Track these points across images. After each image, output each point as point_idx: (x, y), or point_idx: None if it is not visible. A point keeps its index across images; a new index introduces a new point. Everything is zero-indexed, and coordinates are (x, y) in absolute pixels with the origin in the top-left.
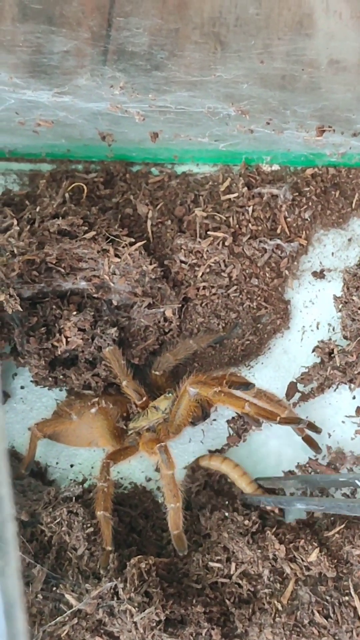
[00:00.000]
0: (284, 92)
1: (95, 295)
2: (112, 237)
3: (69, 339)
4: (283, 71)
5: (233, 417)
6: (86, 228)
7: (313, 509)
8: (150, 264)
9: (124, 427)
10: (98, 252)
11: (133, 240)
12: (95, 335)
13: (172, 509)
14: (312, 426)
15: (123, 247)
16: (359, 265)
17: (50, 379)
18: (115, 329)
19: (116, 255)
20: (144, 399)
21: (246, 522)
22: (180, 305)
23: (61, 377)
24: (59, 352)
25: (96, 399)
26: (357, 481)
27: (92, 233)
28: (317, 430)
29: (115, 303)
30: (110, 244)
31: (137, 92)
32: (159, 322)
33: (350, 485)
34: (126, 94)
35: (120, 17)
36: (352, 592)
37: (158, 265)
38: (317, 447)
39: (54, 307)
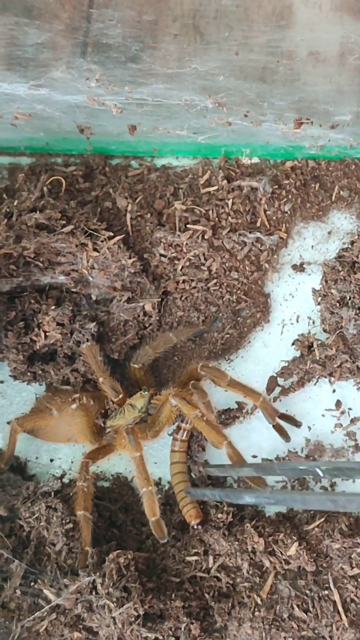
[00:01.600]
0: (261, 84)
1: (74, 290)
2: (91, 231)
3: (47, 334)
4: (259, 63)
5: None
6: (64, 222)
7: (263, 502)
8: (130, 257)
9: (103, 425)
10: (76, 246)
11: (112, 234)
12: (74, 329)
13: (145, 493)
14: (291, 419)
15: (102, 241)
16: (337, 258)
17: (29, 373)
18: (94, 323)
19: (95, 250)
20: (121, 396)
21: (219, 515)
22: (160, 299)
23: (40, 372)
24: (38, 347)
25: (77, 395)
26: (317, 469)
27: (70, 227)
28: (297, 424)
29: (94, 297)
30: (89, 238)
31: (113, 85)
32: (139, 316)
33: (310, 474)
34: (102, 86)
35: (93, 9)
36: (332, 586)
37: (137, 259)
38: (287, 436)
39: (32, 301)
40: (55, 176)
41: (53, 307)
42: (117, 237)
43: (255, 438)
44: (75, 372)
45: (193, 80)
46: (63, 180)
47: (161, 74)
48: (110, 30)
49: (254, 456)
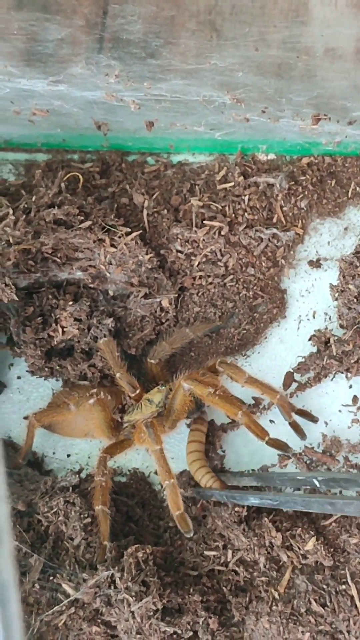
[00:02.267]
0: (279, 80)
1: (91, 286)
2: (108, 227)
3: (65, 329)
4: (278, 59)
5: None
6: (82, 218)
7: (267, 504)
8: (147, 253)
9: (120, 420)
10: (94, 242)
11: (129, 230)
12: (91, 325)
13: (168, 486)
14: (308, 415)
15: (119, 237)
16: (355, 253)
17: (46, 369)
18: (112, 319)
19: (112, 245)
20: (138, 391)
21: (237, 508)
22: (176, 295)
23: (57, 367)
24: (55, 342)
25: (94, 390)
26: (314, 480)
27: (88, 223)
28: (313, 419)
29: (111, 293)
30: (106, 233)
31: (132, 81)
32: (156, 312)
33: (308, 485)
34: (121, 82)
35: (115, 4)
36: (349, 581)
37: (154, 255)
38: (303, 434)
39: (50, 297)
40: (72, 172)
41: (71, 303)
42: (135, 233)
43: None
44: (92, 367)
45: (212, 76)
46: (80, 177)
47: (180, 70)
48: (130, 25)
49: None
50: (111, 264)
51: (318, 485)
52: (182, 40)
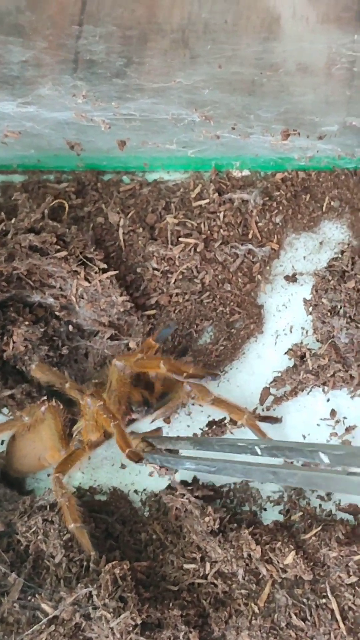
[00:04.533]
0: (246, 97)
1: (57, 314)
2: (85, 260)
3: (14, 345)
4: (244, 75)
5: None
6: (59, 247)
7: (204, 470)
8: (121, 295)
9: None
10: (68, 272)
11: (106, 267)
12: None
13: (114, 426)
14: (271, 419)
15: (95, 272)
16: (327, 267)
17: None
18: (47, 348)
19: (86, 279)
20: (92, 390)
21: (206, 519)
22: (146, 332)
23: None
24: (5, 357)
25: (45, 397)
26: (256, 447)
27: (64, 253)
28: (276, 421)
29: (71, 329)
30: (82, 266)
31: (100, 101)
32: (122, 351)
33: (249, 452)
34: (89, 102)
35: (75, 26)
36: (329, 595)
37: (129, 298)
38: (262, 433)
39: (12, 311)
40: (56, 198)
41: (27, 323)
42: (111, 272)
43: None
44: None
45: (179, 94)
46: (66, 204)
47: (147, 89)
48: (93, 46)
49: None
50: (82, 298)
51: (260, 452)
52: (147, 59)
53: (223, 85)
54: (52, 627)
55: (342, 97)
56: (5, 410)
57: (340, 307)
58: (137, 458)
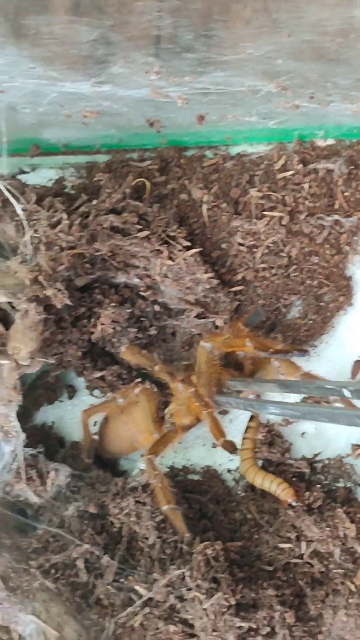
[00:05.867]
0: (321, 65)
1: (143, 294)
2: (168, 239)
3: (102, 326)
4: (316, 43)
5: None
6: (140, 227)
7: (288, 414)
8: (206, 272)
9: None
10: (151, 251)
11: (189, 244)
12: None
13: (207, 414)
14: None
15: (179, 250)
16: None
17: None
18: (136, 330)
19: (170, 258)
20: (184, 375)
21: (308, 494)
22: (234, 310)
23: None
24: (93, 339)
25: (139, 380)
26: (344, 390)
27: (146, 232)
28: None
29: (157, 309)
30: (165, 245)
31: (173, 76)
32: (209, 330)
33: (337, 394)
34: (163, 78)
35: (138, 2)
36: None
37: (214, 275)
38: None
39: (98, 293)
40: (137, 176)
41: (113, 304)
42: (195, 250)
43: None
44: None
45: (252, 66)
46: (148, 184)
47: (219, 62)
48: (159, 21)
49: None
50: (167, 277)
51: (350, 395)
52: (214, 32)
53: (296, 54)
54: (147, 609)
55: None
56: (96, 392)
57: None
58: (232, 448)
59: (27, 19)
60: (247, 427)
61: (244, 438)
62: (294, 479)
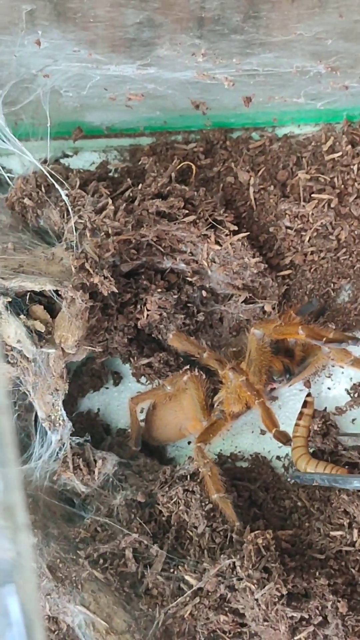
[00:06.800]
0: None
1: (190, 280)
2: (215, 224)
3: (149, 312)
4: None
5: None
6: (186, 211)
7: None
8: (253, 257)
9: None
10: (197, 236)
11: (236, 229)
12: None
13: (259, 404)
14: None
15: (226, 235)
16: None
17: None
18: (183, 316)
19: (217, 243)
20: (234, 362)
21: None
22: (282, 294)
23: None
24: (140, 325)
25: (187, 367)
26: None
27: (192, 217)
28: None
29: (204, 294)
30: (212, 229)
31: (220, 58)
32: (257, 315)
33: None
34: (210, 60)
35: None
36: None
37: (262, 259)
38: None
39: (144, 279)
40: (182, 160)
41: (159, 290)
42: (242, 234)
43: None
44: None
45: (301, 47)
46: (194, 167)
47: (267, 43)
48: (206, 3)
49: None
50: (214, 262)
51: None
52: (263, 13)
53: (347, 35)
54: (197, 599)
55: None
56: (143, 379)
57: None
58: (285, 439)
59: (72, 2)
60: (300, 413)
61: (296, 424)
62: (347, 467)
